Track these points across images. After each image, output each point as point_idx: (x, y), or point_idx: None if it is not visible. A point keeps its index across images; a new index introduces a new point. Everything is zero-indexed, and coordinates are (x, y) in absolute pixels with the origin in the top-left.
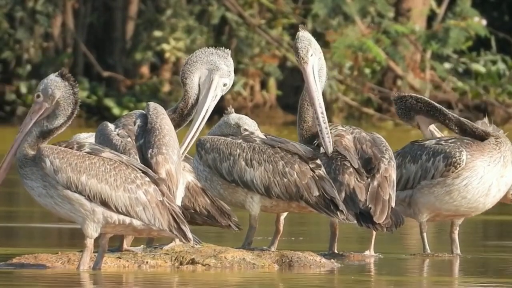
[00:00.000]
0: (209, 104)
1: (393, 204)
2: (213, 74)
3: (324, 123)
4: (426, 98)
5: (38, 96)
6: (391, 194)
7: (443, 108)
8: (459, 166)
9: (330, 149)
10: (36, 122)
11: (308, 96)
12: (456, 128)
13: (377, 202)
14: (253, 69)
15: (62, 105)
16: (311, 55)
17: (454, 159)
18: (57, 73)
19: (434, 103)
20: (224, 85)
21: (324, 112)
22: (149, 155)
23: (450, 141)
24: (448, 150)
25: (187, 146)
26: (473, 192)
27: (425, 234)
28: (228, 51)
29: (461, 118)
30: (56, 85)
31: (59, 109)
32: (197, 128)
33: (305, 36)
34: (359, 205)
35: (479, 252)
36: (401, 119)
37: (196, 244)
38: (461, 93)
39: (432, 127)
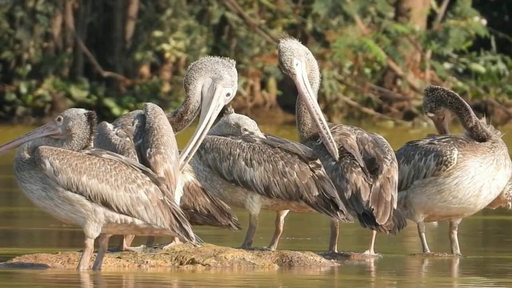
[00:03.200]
0: (212, 113)
1: (395, 206)
2: (216, 83)
3: (324, 128)
4: (456, 94)
5: (59, 120)
6: (393, 195)
7: (469, 107)
8: (450, 165)
9: (337, 154)
10: (46, 136)
11: (304, 104)
12: (470, 128)
13: (379, 204)
14: (253, 69)
15: (73, 140)
16: (296, 64)
17: (445, 157)
18: (87, 112)
19: (462, 99)
20: (227, 94)
21: (322, 118)
22: (147, 155)
23: (443, 140)
24: (439, 149)
25: (189, 154)
26: (464, 192)
27: (423, 234)
28: (233, 62)
29: (478, 120)
30: (78, 122)
31: (68, 142)
32: (199, 137)
33: (285, 47)
34: (363, 205)
35: (479, 252)
36: (429, 110)
37: (198, 244)
38: (461, 93)
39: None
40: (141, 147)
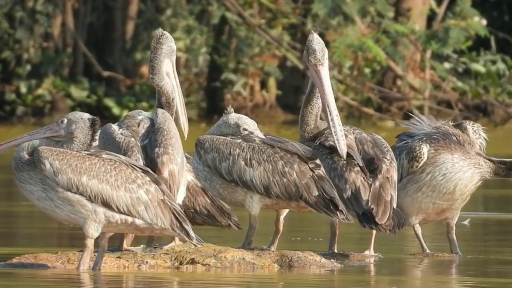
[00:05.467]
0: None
1: (394, 205)
2: (171, 58)
3: (339, 125)
4: None
5: (62, 122)
6: (393, 195)
7: None
8: (421, 160)
9: (345, 152)
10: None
11: (323, 98)
12: None
13: (379, 203)
14: (253, 69)
15: (73, 144)
16: (326, 58)
17: (414, 153)
18: (91, 117)
19: None
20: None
21: (338, 115)
22: (155, 154)
23: (416, 138)
24: (410, 146)
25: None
26: (439, 187)
27: (420, 235)
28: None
29: None
30: (81, 126)
31: (68, 145)
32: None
33: (319, 38)
34: (363, 204)
35: (479, 252)
36: None
37: (199, 243)
38: (461, 93)
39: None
40: (147, 147)
